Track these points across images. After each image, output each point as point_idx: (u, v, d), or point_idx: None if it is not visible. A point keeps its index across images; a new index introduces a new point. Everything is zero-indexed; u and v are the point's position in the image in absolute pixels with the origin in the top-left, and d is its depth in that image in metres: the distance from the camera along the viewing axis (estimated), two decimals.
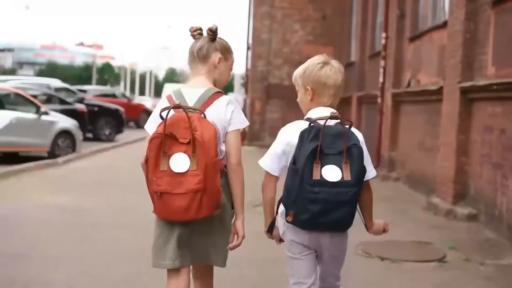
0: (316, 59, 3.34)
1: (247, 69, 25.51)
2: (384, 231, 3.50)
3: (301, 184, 3.01)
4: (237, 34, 36.20)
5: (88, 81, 76.92)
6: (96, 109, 22.66)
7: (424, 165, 11.29)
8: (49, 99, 19.25)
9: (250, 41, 24.14)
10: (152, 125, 3.31)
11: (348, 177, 3.01)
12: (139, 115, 32.81)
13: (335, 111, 3.19)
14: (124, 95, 35.60)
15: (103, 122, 22.80)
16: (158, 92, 78.55)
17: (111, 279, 5.52)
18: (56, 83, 24.48)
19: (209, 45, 3.39)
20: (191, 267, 3.45)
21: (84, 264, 5.95)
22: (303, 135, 3.08)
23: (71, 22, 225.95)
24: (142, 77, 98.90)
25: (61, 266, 5.87)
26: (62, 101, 19.66)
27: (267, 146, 3.48)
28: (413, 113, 12.64)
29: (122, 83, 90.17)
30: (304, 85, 3.34)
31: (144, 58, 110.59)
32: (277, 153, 3.24)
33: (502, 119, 7.97)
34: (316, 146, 3.00)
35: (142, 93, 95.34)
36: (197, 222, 3.20)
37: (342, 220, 3.08)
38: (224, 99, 3.33)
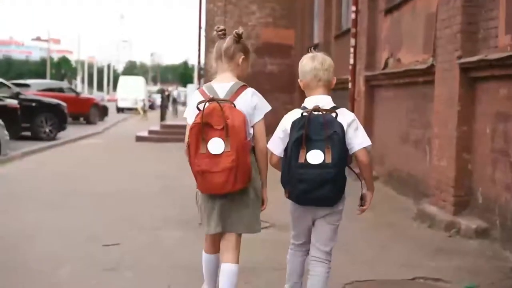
0: (305, 55, 3.96)
1: (199, 56, 23.75)
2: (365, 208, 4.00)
3: (290, 167, 3.68)
4: (188, 18, 34.40)
5: (44, 76, 74.24)
6: (34, 104, 20.31)
7: (410, 162, 9.27)
8: None
9: (203, 25, 22.55)
10: (191, 116, 3.85)
11: (329, 160, 3.59)
12: (89, 110, 30.44)
13: (319, 104, 3.76)
14: (71, 89, 32.86)
15: (42, 118, 20.36)
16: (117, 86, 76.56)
17: None
18: None
19: (235, 47, 3.92)
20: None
21: None
22: (294, 124, 3.71)
23: (28, 16, 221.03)
24: (101, 71, 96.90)
25: None
26: None
27: None
28: (393, 99, 10.63)
29: (79, 77, 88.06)
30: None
31: (103, 51, 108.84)
32: (279, 137, 3.89)
33: None
34: (302, 134, 3.63)
35: (100, 87, 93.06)
36: (235, 193, 3.75)
37: (327, 196, 3.66)
38: (249, 91, 3.89)
